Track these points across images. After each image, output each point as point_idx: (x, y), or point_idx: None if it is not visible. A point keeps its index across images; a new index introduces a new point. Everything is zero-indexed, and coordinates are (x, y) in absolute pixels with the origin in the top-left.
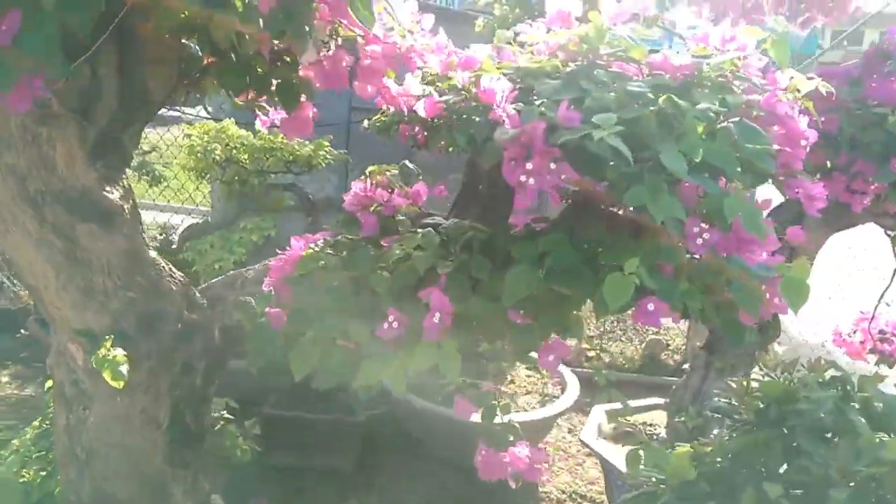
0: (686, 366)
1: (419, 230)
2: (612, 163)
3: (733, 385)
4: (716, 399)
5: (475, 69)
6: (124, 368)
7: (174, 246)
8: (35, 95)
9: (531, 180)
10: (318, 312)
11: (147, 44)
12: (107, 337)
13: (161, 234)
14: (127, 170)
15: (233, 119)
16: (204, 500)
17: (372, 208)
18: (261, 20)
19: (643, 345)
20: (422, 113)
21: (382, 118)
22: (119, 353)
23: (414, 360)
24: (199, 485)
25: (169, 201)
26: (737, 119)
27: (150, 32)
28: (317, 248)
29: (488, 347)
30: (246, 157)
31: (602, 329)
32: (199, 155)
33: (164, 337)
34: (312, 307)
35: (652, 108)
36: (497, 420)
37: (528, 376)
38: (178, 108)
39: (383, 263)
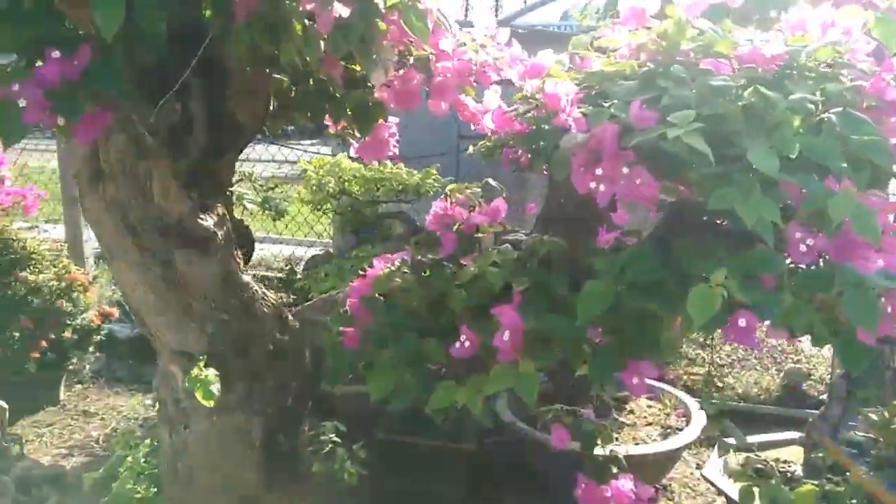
0: (825, 396)
1: (498, 247)
2: (693, 164)
3: (873, 417)
4: (853, 433)
5: (542, 76)
6: (215, 388)
7: (298, 276)
8: (102, 127)
9: (601, 187)
10: (395, 332)
11: (234, 78)
12: (201, 357)
13: (286, 265)
14: (250, 201)
15: (345, 153)
16: None
17: (453, 227)
18: (322, 44)
19: (781, 374)
20: (490, 126)
21: (487, 143)
22: (211, 372)
23: (489, 381)
24: None
25: (294, 234)
26: (840, 109)
27: (236, 66)
28: (393, 268)
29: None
30: (358, 188)
31: (734, 356)
32: (314, 188)
33: (256, 358)
34: (389, 326)
35: (739, 102)
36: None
37: (649, 406)
38: (301, 145)
39: (459, 282)
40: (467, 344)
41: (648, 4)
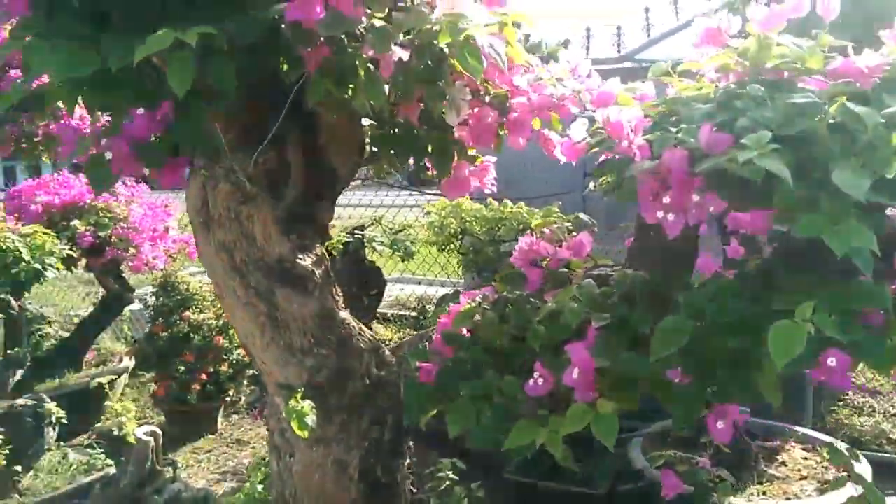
0: None
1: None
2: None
3: None
4: None
5: (610, 104)
6: (310, 419)
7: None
8: (183, 174)
9: (670, 216)
10: (474, 368)
11: (324, 125)
12: (299, 390)
13: (419, 304)
14: (380, 244)
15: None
16: None
17: (539, 262)
18: (386, 88)
19: None
20: (562, 158)
21: (608, 179)
22: (307, 405)
23: (566, 422)
24: None
25: (425, 274)
26: None
27: (329, 117)
28: (474, 304)
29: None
30: (479, 228)
31: None
32: (437, 230)
33: (353, 392)
34: (470, 363)
35: (829, 119)
36: None
37: (805, 458)
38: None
39: (539, 318)
40: (541, 381)
41: (724, 24)
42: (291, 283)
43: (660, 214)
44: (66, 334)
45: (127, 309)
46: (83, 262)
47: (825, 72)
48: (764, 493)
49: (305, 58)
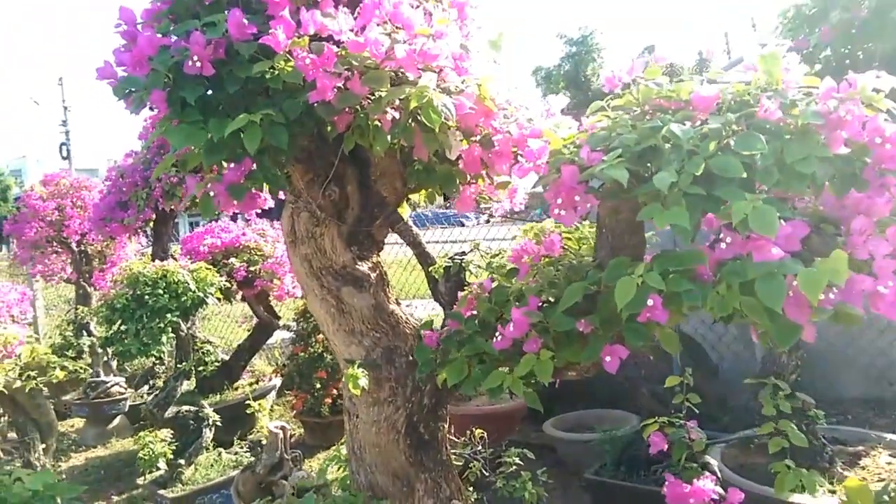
0: None
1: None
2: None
3: None
4: None
5: (538, 137)
6: (363, 381)
7: None
8: (255, 204)
9: (563, 212)
10: (469, 336)
11: (376, 167)
12: (358, 362)
13: None
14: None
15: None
16: (444, 501)
17: (525, 259)
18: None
19: None
20: (516, 179)
21: None
22: (360, 371)
23: (519, 367)
24: (439, 487)
25: None
26: (743, 131)
27: (374, 156)
28: (475, 291)
29: None
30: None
31: None
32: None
33: (399, 365)
34: (465, 332)
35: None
36: None
37: (889, 463)
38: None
39: (508, 296)
40: (500, 338)
41: (624, 74)
42: (352, 283)
43: (556, 212)
44: (226, 357)
45: (279, 335)
46: (239, 294)
47: (690, 101)
48: (832, 493)
49: (336, 122)
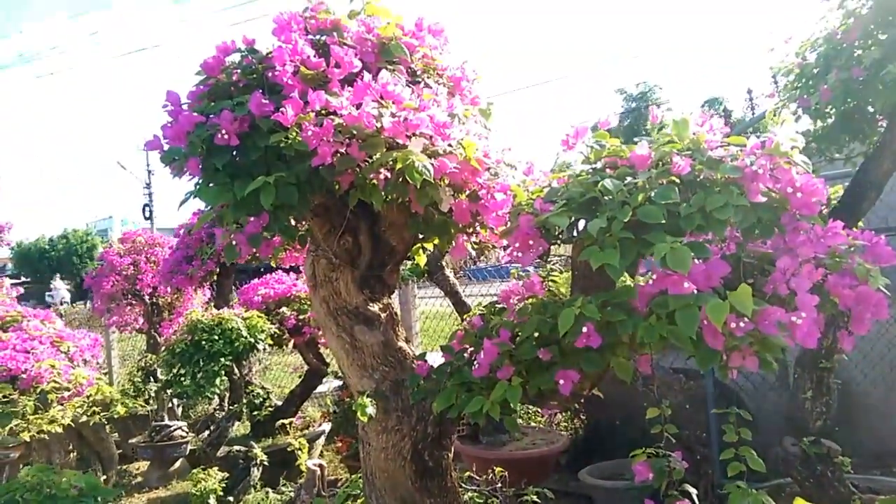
0: None
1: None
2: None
3: None
4: None
5: (506, 191)
6: (370, 410)
7: None
8: (271, 249)
9: (520, 254)
10: (458, 368)
11: (383, 217)
12: (368, 393)
13: None
14: None
15: None
16: None
17: (514, 299)
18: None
19: None
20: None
21: None
22: (369, 401)
23: (493, 393)
24: None
25: None
26: (663, 184)
27: (382, 209)
28: (467, 328)
29: None
30: None
31: None
32: None
33: (405, 397)
34: (456, 365)
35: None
36: None
37: None
38: None
39: (487, 331)
40: (477, 366)
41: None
42: (364, 322)
43: (514, 254)
44: (279, 403)
45: (332, 383)
46: (291, 342)
47: (630, 157)
48: None
49: (341, 181)
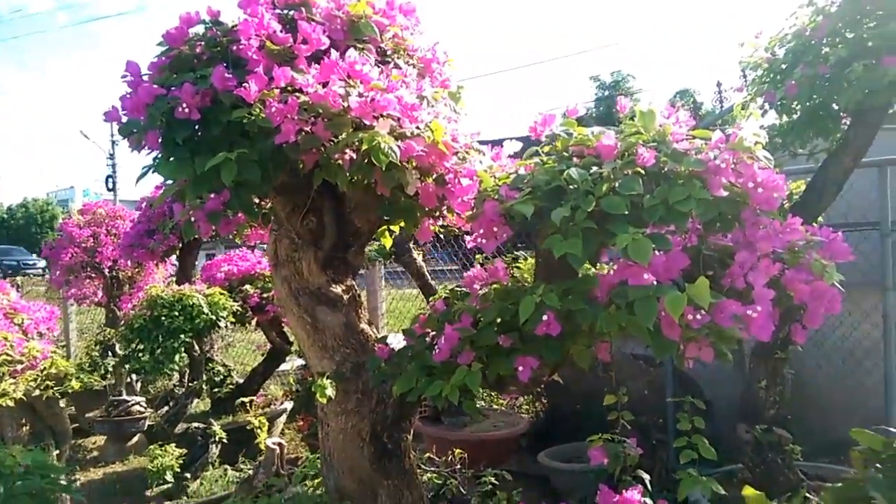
0: None
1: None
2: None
3: None
4: None
5: (472, 177)
6: (329, 391)
7: None
8: (232, 226)
9: (484, 241)
10: (419, 352)
11: (349, 198)
12: (328, 374)
13: None
14: None
15: None
16: None
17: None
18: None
19: None
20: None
21: None
22: (328, 382)
23: (454, 378)
24: (401, 493)
25: None
26: (628, 175)
27: (348, 190)
28: (429, 312)
29: None
30: None
31: None
32: None
33: (366, 379)
34: (417, 348)
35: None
36: None
37: None
38: None
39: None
40: (437, 351)
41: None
42: (326, 303)
43: (478, 241)
44: (241, 380)
45: (296, 362)
46: (254, 320)
47: (596, 147)
48: None
49: (305, 160)
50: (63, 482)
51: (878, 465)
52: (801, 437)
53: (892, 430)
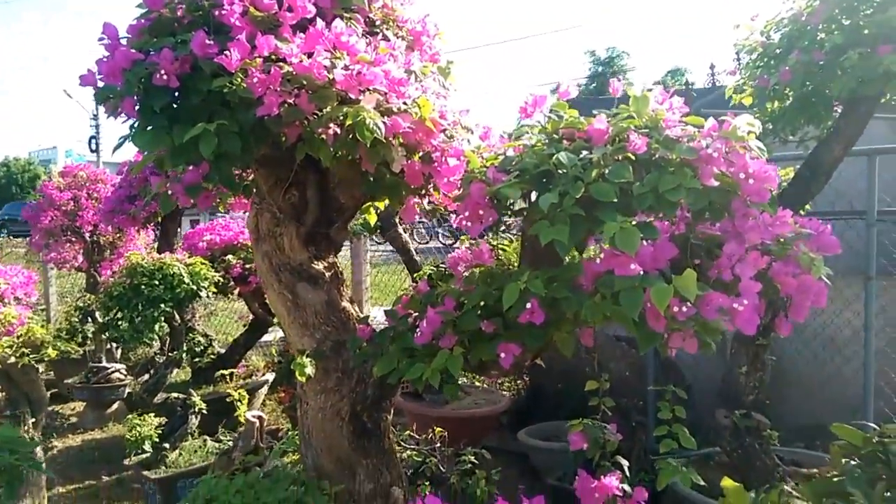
0: None
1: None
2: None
3: None
4: None
5: (459, 157)
6: (309, 370)
7: None
8: (211, 200)
9: (469, 224)
10: (401, 333)
11: (333, 173)
12: (308, 352)
13: None
14: None
15: None
16: (384, 487)
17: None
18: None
19: None
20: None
21: None
22: (307, 360)
23: (435, 361)
24: (380, 473)
25: None
26: (618, 161)
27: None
28: (412, 293)
29: None
30: None
31: None
32: None
33: (347, 358)
34: (399, 329)
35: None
36: None
37: None
38: None
39: (433, 298)
40: (419, 333)
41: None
42: (307, 280)
43: (463, 224)
44: (223, 351)
45: (278, 333)
46: (236, 290)
47: (587, 131)
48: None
49: (287, 134)
50: (33, 456)
51: (856, 459)
52: (779, 422)
53: (871, 424)
